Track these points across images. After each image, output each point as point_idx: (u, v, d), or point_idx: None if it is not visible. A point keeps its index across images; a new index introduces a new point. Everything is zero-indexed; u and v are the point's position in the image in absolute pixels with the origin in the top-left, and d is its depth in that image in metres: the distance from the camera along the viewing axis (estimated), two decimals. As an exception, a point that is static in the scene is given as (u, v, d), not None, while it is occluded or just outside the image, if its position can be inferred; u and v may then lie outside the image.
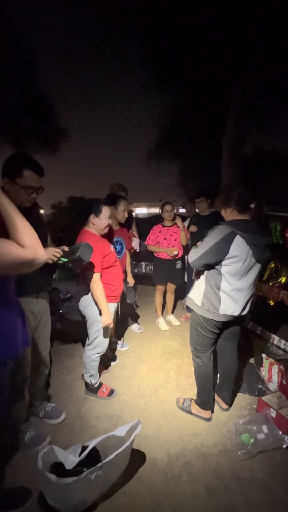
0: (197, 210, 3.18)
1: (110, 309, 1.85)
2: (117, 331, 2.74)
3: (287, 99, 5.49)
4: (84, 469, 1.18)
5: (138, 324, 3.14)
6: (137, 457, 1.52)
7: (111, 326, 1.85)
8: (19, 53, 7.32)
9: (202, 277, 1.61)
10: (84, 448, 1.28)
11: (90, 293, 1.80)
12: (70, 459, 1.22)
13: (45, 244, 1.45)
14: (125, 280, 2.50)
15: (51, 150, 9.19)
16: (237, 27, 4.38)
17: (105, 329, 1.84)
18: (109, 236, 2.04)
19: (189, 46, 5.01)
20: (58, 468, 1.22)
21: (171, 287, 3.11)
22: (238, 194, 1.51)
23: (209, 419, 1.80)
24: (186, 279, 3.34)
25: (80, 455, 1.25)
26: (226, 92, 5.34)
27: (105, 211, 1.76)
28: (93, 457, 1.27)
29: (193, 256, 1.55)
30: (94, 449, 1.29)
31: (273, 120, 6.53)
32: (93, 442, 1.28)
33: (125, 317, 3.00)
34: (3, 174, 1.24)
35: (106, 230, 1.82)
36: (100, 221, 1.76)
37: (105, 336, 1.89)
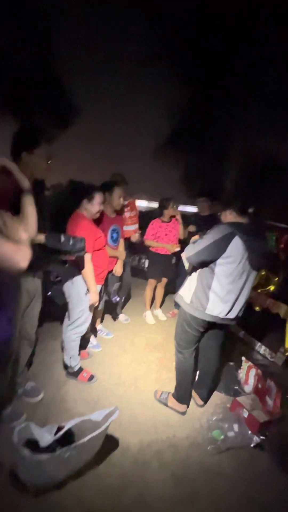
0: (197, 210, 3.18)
1: None
2: (103, 319, 2.75)
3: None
4: (58, 448, 1.21)
5: (123, 315, 3.16)
6: (110, 442, 1.56)
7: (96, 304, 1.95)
8: (35, 27, 6.99)
9: (195, 275, 1.63)
10: (60, 429, 1.30)
11: (77, 274, 1.84)
12: (46, 437, 1.25)
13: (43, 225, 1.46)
14: (110, 272, 2.45)
15: (61, 129, 8.94)
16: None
17: (91, 307, 1.92)
18: (99, 223, 2.12)
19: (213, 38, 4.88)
20: (31, 445, 1.24)
21: (163, 281, 3.13)
22: (238, 197, 1.56)
23: (183, 413, 1.85)
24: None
25: (55, 435, 1.27)
26: (241, 94, 5.28)
27: (98, 197, 1.83)
28: (67, 438, 1.30)
29: (190, 251, 1.57)
30: (69, 430, 1.31)
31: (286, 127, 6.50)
32: (70, 423, 1.30)
33: (112, 307, 3.02)
34: (20, 148, 1.28)
35: (97, 215, 1.91)
36: (93, 207, 1.84)
37: (87, 317, 1.96)
